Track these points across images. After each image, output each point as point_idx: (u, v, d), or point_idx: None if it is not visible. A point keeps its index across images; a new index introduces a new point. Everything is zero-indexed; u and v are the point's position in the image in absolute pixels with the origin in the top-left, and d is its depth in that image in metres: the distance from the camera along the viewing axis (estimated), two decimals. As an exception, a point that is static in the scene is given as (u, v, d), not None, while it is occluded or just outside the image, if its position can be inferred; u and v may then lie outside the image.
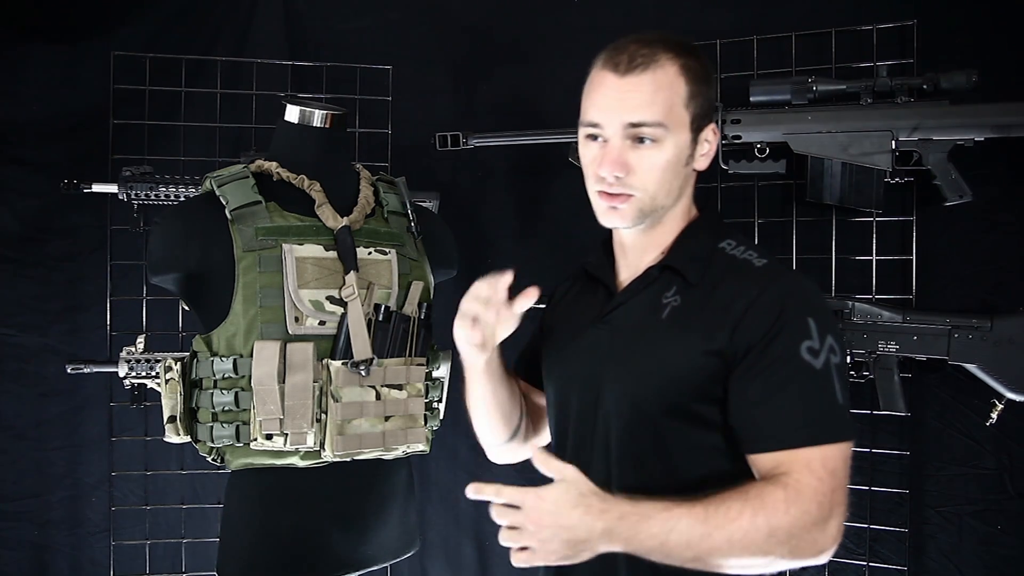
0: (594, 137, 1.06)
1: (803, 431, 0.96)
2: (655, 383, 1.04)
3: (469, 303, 1.10)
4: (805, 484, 0.94)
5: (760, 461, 0.99)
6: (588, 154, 1.08)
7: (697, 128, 1.07)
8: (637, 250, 1.13)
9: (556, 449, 1.18)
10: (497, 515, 0.96)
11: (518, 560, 0.96)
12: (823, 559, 0.96)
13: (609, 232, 1.18)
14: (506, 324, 1.12)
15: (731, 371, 1.00)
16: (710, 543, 0.92)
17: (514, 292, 1.10)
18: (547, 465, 0.97)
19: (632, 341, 1.08)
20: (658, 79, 1.03)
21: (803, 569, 1.91)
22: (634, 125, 1.03)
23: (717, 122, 1.78)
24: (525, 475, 2.15)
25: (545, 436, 1.34)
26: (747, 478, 1.00)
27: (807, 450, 0.95)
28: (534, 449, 1.00)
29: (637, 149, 1.04)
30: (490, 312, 1.10)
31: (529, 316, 2.14)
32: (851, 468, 0.99)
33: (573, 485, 0.95)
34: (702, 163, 1.11)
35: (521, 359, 1.34)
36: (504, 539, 0.96)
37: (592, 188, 1.08)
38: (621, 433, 1.07)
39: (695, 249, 1.09)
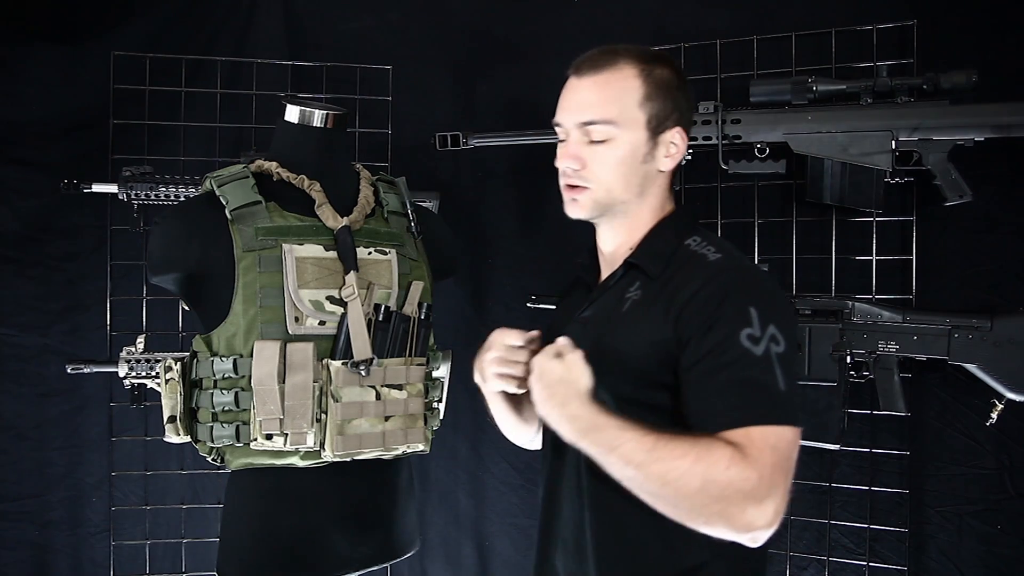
0: (560, 130, 1.15)
1: (739, 412, 0.98)
2: (611, 374, 1.07)
3: (509, 350, 1.14)
4: (748, 453, 0.95)
5: None
6: (558, 151, 1.16)
7: (656, 128, 1.12)
8: (611, 249, 1.19)
9: (543, 440, 1.25)
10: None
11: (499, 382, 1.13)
12: (749, 538, 0.96)
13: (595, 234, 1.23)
14: None
15: (678, 360, 1.04)
16: (646, 471, 0.96)
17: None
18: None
19: (598, 335, 1.12)
20: (611, 79, 1.10)
21: (802, 569, 1.92)
22: (585, 124, 1.11)
23: (718, 124, 1.78)
24: (524, 475, 2.16)
25: None
26: None
27: (745, 429, 0.97)
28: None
29: (592, 146, 1.11)
30: (525, 353, 1.14)
31: (526, 316, 2.13)
32: (798, 459, 0.99)
33: (563, 368, 1.03)
34: (666, 164, 1.15)
35: None
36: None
37: (561, 183, 1.16)
38: None
39: (659, 246, 1.14)
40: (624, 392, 1.08)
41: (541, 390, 1.04)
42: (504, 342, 1.14)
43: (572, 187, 1.14)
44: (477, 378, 1.21)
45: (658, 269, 1.11)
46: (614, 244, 1.18)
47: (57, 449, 2.18)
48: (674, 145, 1.14)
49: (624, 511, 1.05)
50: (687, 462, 0.94)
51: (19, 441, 2.16)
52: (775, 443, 0.96)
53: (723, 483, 0.93)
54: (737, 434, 0.97)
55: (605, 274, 1.20)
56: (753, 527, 0.94)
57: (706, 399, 1.00)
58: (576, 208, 1.15)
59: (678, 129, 1.14)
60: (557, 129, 1.15)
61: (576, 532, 1.11)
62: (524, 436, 1.33)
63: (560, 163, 1.14)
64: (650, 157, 1.13)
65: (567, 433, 1.02)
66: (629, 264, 1.14)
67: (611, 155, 1.11)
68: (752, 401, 0.98)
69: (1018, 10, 1.74)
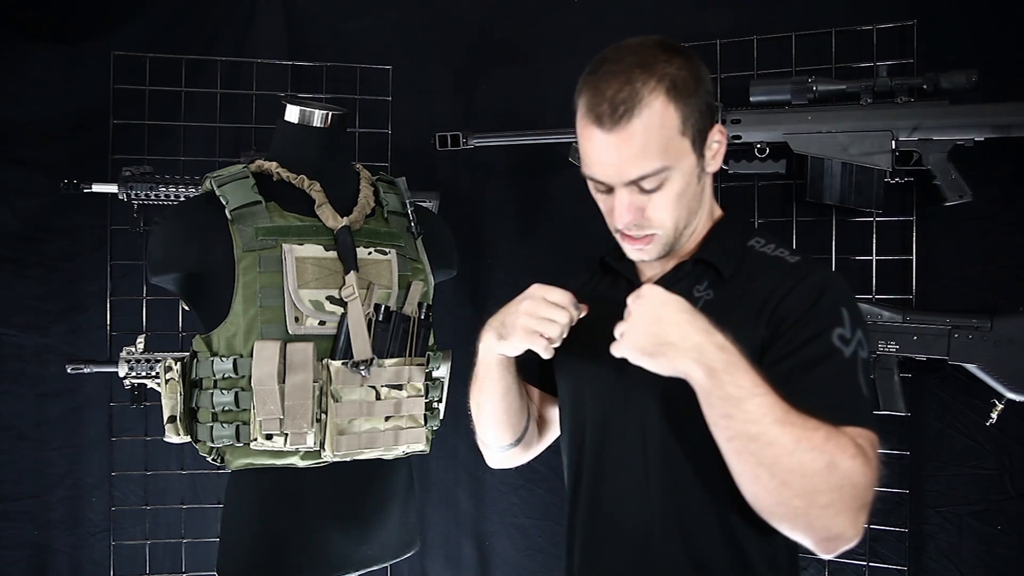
0: (603, 187, 1.04)
1: (838, 411, 0.94)
2: None
3: (549, 306, 1.05)
4: (866, 450, 0.91)
5: None
6: (600, 199, 1.07)
7: (700, 142, 1.04)
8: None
9: (573, 447, 1.17)
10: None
11: (613, 348, 0.98)
12: (830, 547, 0.92)
13: None
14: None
15: (763, 357, 0.99)
16: (777, 432, 0.88)
17: (515, 291, 1.10)
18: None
19: None
20: (647, 124, 0.97)
21: (801, 569, 1.92)
22: (634, 180, 1.00)
23: (718, 119, 1.78)
24: (524, 475, 2.16)
25: (545, 444, 1.33)
26: None
27: (848, 429, 0.93)
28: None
29: (647, 194, 1.02)
30: (565, 315, 1.06)
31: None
32: None
33: (691, 306, 0.95)
34: (713, 166, 1.08)
35: (527, 362, 1.30)
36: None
37: (612, 227, 1.08)
38: (658, 428, 1.05)
39: (727, 245, 1.09)
40: None
41: (678, 314, 0.93)
42: (544, 297, 1.05)
43: (636, 238, 1.05)
44: (489, 337, 1.11)
45: (730, 268, 1.06)
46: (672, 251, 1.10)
47: (57, 449, 2.18)
48: (716, 143, 1.06)
49: (699, 525, 1.02)
50: (820, 436, 0.88)
51: (19, 441, 2.16)
52: (876, 448, 0.94)
53: (844, 471, 0.88)
54: (848, 432, 0.92)
55: (650, 271, 1.13)
56: (843, 535, 0.90)
57: (799, 395, 0.93)
58: (645, 255, 1.07)
59: (716, 127, 1.06)
60: (593, 184, 1.05)
61: (640, 545, 1.06)
62: (501, 435, 1.23)
63: (619, 223, 1.03)
64: (701, 172, 1.06)
65: (712, 362, 0.91)
66: (696, 261, 1.09)
67: (670, 195, 1.02)
68: (846, 401, 0.95)
69: (1018, 10, 1.74)
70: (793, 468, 0.88)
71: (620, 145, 0.98)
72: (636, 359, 0.97)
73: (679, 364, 0.93)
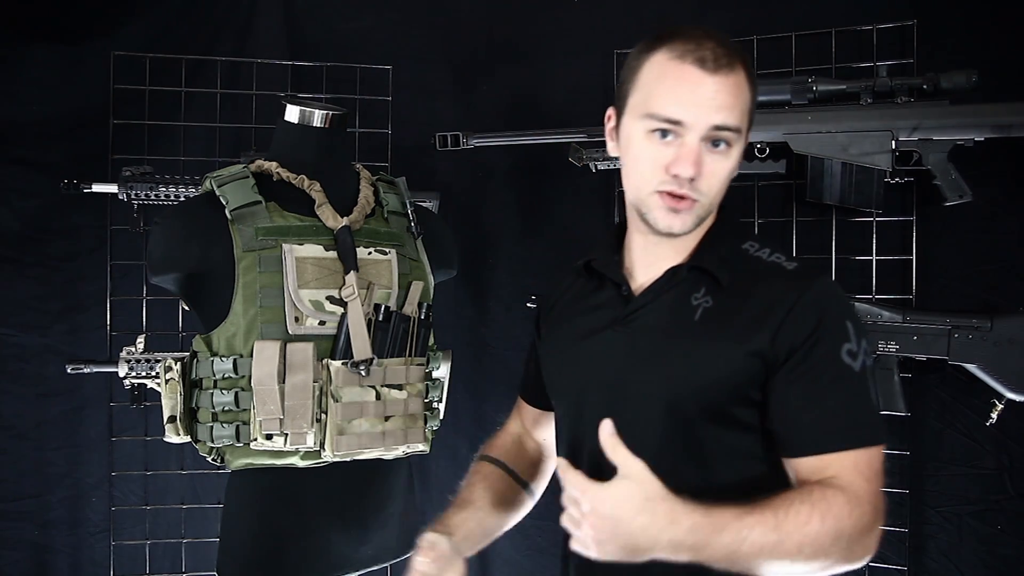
0: (663, 132, 1.00)
1: (848, 434, 0.97)
2: (692, 386, 1.01)
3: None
4: (859, 487, 0.94)
5: (803, 464, 0.98)
6: (653, 149, 1.01)
7: (746, 135, 1.05)
8: (661, 251, 1.08)
9: (569, 455, 1.14)
10: (563, 501, 0.93)
11: (575, 545, 0.92)
12: (861, 564, 0.96)
13: (618, 228, 1.15)
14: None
15: (771, 375, 0.99)
16: (782, 550, 0.90)
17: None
18: (614, 453, 0.91)
19: (662, 343, 1.04)
20: (739, 83, 1.00)
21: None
22: (718, 128, 0.98)
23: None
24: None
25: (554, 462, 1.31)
26: (781, 482, 1.00)
27: (853, 452, 0.96)
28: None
29: (711, 152, 1.00)
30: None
31: (526, 317, 2.12)
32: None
33: (639, 486, 0.89)
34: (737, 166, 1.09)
35: (527, 383, 1.30)
36: (563, 522, 0.93)
37: (652, 186, 1.02)
38: (653, 438, 1.02)
39: (723, 251, 1.07)
40: (710, 406, 1.01)
41: (634, 521, 0.87)
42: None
43: (678, 197, 1.00)
44: None
45: (727, 275, 1.04)
46: (666, 247, 1.07)
47: (57, 449, 2.18)
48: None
49: None
50: (815, 524, 0.91)
51: (19, 441, 2.16)
52: (877, 466, 0.97)
53: (850, 530, 0.92)
54: (840, 461, 0.96)
55: (642, 275, 1.10)
56: (869, 553, 0.96)
57: (806, 420, 0.97)
58: (677, 222, 1.01)
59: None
60: (667, 126, 0.99)
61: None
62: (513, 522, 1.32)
63: (681, 169, 0.98)
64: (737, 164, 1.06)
65: (687, 554, 0.88)
66: (691, 268, 1.06)
67: (726, 166, 1.01)
68: (853, 423, 0.98)
69: (1018, 10, 1.75)
70: (807, 558, 0.92)
71: (719, 89, 0.98)
72: (614, 560, 0.91)
73: (660, 556, 0.90)
